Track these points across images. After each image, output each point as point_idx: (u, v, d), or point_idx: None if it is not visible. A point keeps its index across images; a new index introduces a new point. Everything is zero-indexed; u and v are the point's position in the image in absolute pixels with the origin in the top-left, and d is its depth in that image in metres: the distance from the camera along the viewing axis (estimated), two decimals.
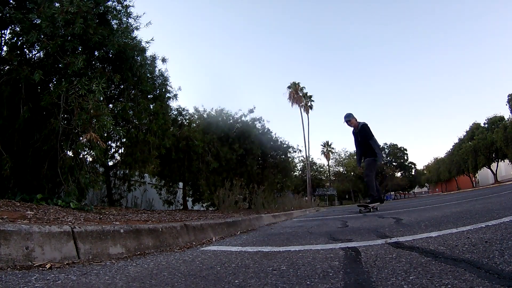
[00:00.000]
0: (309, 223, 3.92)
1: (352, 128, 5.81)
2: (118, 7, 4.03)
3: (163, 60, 4.92)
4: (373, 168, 5.48)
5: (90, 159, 3.97)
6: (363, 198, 53.21)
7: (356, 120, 5.75)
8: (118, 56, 3.99)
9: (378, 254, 1.40)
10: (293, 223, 4.30)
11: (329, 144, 48.51)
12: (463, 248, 1.30)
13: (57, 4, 3.09)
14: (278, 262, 1.44)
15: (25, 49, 3.45)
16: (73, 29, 3.06)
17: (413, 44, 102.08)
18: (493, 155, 30.30)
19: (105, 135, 4.03)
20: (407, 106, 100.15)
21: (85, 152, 3.57)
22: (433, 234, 1.78)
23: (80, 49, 3.49)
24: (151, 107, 4.83)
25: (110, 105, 4.45)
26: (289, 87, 36.83)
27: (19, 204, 2.47)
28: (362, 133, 5.60)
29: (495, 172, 31.98)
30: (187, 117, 7.50)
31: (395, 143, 54.44)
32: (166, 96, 5.31)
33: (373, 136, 5.53)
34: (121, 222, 2.29)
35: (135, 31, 4.18)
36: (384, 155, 53.73)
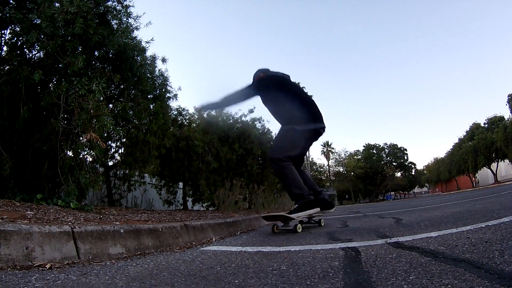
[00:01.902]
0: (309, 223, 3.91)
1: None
2: (118, 7, 4.03)
3: (163, 60, 4.92)
4: (289, 143, 2.91)
5: (90, 159, 3.97)
6: (363, 198, 53.30)
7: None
8: (118, 56, 3.99)
9: (378, 254, 1.40)
10: (293, 223, 4.29)
11: (329, 144, 48.59)
12: (463, 248, 1.30)
13: (57, 4, 3.08)
14: (278, 262, 1.44)
15: (25, 49, 3.45)
16: (73, 29, 3.06)
17: (413, 44, 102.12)
18: (493, 155, 30.33)
19: (105, 135, 4.02)
20: (407, 106, 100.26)
21: (85, 152, 3.57)
22: (433, 234, 1.78)
23: (80, 49, 3.49)
24: (151, 107, 4.82)
25: (110, 105, 4.45)
26: None
27: (19, 204, 2.47)
28: (263, 85, 3.05)
29: (495, 172, 31.99)
30: (187, 117, 7.49)
31: (395, 143, 54.55)
32: (166, 96, 5.30)
33: (288, 89, 3.00)
34: (121, 222, 2.29)
35: (135, 31, 4.18)
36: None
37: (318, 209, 2.99)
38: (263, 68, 3.16)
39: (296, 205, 2.89)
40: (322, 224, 3.23)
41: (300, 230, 2.78)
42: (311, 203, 2.89)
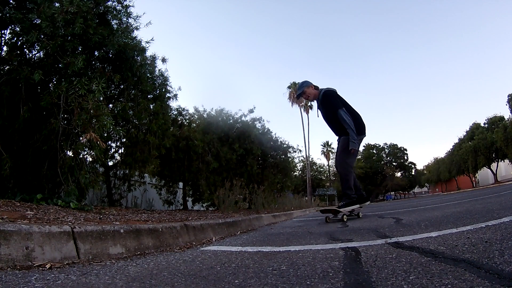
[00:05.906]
0: (309, 223, 3.91)
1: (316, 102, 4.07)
2: (118, 7, 4.03)
3: (163, 60, 4.92)
4: (350, 152, 3.62)
5: (90, 159, 3.97)
6: None
7: (315, 88, 3.96)
8: (118, 56, 3.99)
9: (378, 254, 1.40)
10: (293, 223, 4.30)
11: (329, 144, 48.49)
12: (463, 248, 1.30)
13: (57, 4, 3.08)
14: (278, 262, 1.44)
15: (25, 49, 3.45)
16: (73, 29, 3.06)
17: (413, 44, 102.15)
18: (493, 155, 30.33)
19: (105, 135, 4.02)
20: (407, 106, 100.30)
21: (85, 152, 3.57)
22: (433, 234, 1.78)
23: (80, 49, 3.49)
24: (151, 107, 4.82)
25: (110, 105, 4.45)
26: (289, 87, 36.85)
27: (19, 204, 2.47)
28: (325, 105, 3.85)
29: (495, 172, 31.99)
30: (187, 117, 7.50)
31: (395, 143, 54.49)
32: (166, 96, 5.31)
33: (339, 107, 3.67)
34: (121, 222, 2.28)
35: (135, 31, 4.19)
36: (382, 152, 53.59)
37: (358, 204, 3.83)
38: (328, 90, 3.88)
39: (343, 202, 3.73)
40: (360, 216, 3.91)
41: (345, 219, 3.57)
42: (353, 200, 3.73)
